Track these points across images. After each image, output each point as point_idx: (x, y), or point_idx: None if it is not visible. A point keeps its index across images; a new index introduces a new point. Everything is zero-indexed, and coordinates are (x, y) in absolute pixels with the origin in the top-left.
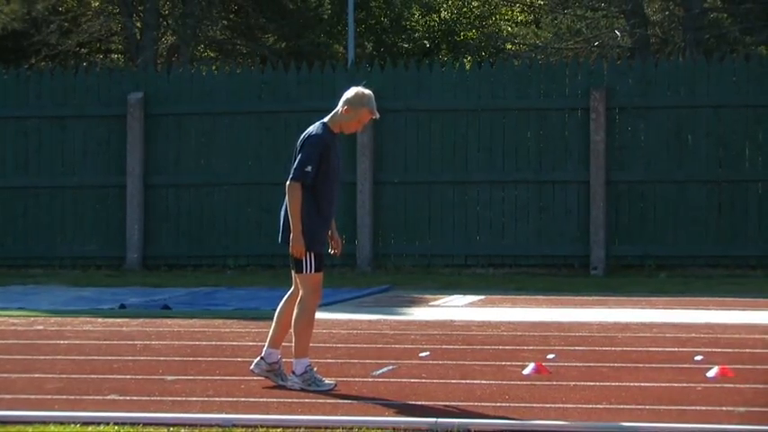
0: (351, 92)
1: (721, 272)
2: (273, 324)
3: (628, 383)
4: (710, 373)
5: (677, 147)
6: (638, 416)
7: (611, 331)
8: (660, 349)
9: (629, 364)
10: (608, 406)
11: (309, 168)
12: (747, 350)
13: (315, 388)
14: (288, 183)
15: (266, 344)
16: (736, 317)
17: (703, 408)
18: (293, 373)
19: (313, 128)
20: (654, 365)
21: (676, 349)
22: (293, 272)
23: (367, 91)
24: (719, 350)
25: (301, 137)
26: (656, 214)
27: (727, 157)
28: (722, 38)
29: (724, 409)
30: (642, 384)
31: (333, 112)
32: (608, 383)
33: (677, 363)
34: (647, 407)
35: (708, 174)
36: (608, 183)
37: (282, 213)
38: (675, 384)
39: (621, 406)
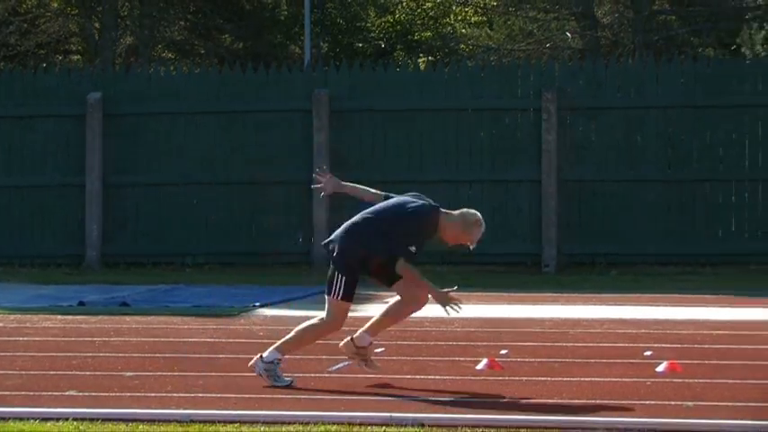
0: (473, 214)
1: (671, 269)
2: (378, 314)
3: (579, 378)
4: (660, 368)
5: (627, 147)
6: (588, 410)
7: (563, 327)
8: (611, 345)
9: (580, 360)
10: (559, 401)
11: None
12: (696, 345)
13: (273, 381)
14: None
15: (363, 328)
16: (685, 313)
17: (652, 402)
18: (261, 357)
19: (422, 206)
20: (604, 361)
21: (626, 345)
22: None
23: (483, 224)
24: (669, 345)
25: (408, 203)
26: (607, 213)
27: (676, 158)
28: (671, 40)
29: (673, 403)
30: (593, 379)
31: (448, 213)
32: (559, 378)
33: (627, 358)
34: (598, 401)
35: (657, 173)
36: (560, 182)
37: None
38: (626, 379)
39: (572, 401)
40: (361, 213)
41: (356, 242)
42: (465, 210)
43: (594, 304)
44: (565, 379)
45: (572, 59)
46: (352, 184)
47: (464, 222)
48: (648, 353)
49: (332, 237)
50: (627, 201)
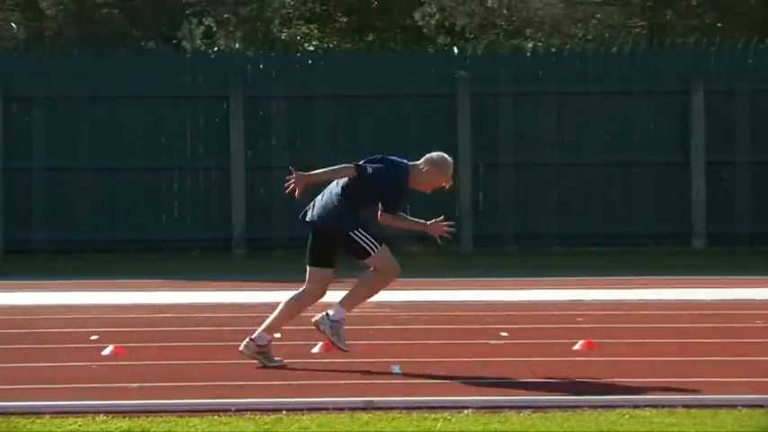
0: (438, 155)
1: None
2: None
3: (19, 364)
4: (105, 352)
5: (70, 137)
6: (39, 395)
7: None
8: (58, 330)
9: (39, 346)
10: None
11: (371, 171)
12: (138, 329)
13: (266, 362)
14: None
15: (338, 301)
16: (135, 298)
17: (100, 385)
18: (251, 339)
19: (400, 165)
20: (59, 346)
21: (73, 330)
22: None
23: (450, 159)
24: (116, 330)
25: (388, 160)
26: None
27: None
28: (115, 32)
29: (118, 385)
30: (51, 364)
31: (414, 165)
32: (15, 364)
33: (72, 343)
34: (49, 386)
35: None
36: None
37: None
38: (74, 363)
39: (13, 386)
40: (334, 185)
41: (329, 213)
42: (427, 156)
43: (52, 290)
44: (24, 364)
45: (17, 49)
46: (317, 171)
47: (435, 166)
48: (95, 337)
49: (307, 209)
50: (66, 190)
